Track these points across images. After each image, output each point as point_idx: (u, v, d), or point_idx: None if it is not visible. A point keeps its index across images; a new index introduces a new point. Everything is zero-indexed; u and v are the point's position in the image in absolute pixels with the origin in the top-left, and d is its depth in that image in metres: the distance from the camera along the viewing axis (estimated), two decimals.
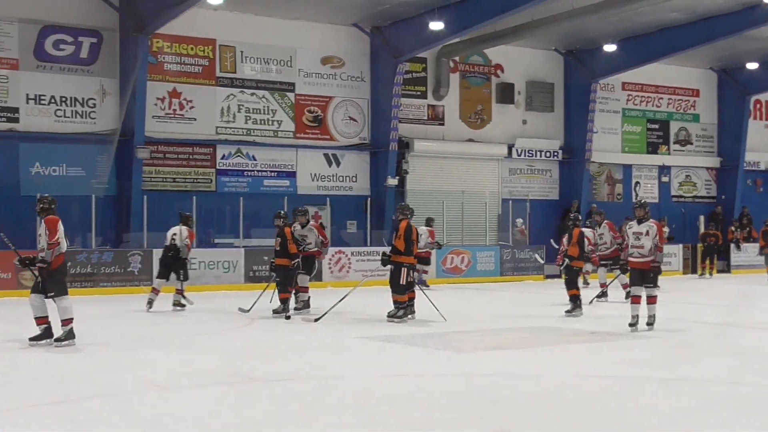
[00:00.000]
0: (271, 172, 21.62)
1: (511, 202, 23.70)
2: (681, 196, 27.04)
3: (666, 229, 18.61)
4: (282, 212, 14.00)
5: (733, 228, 24.98)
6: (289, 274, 13.42)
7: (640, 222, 11.12)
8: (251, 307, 13.32)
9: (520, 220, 23.26)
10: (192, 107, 20.42)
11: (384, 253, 13.07)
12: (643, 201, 11.64)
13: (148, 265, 17.51)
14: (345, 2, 20.12)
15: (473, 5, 19.57)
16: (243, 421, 6.37)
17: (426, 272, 18.30)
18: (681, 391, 7.37)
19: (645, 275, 11.01)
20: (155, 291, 13.70)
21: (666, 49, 23.19)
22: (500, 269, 21.98)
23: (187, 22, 19.39)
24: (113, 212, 19.91)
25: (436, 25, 19.59)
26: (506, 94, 24.21)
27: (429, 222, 18.87)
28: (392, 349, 10.31)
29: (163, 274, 13.81)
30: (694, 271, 24.05)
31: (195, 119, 20.42)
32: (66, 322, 9.64)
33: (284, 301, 13.22)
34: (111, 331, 12.00)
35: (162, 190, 19.81)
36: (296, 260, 13.20)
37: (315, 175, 22.02)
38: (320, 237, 14.01)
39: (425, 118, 23.42)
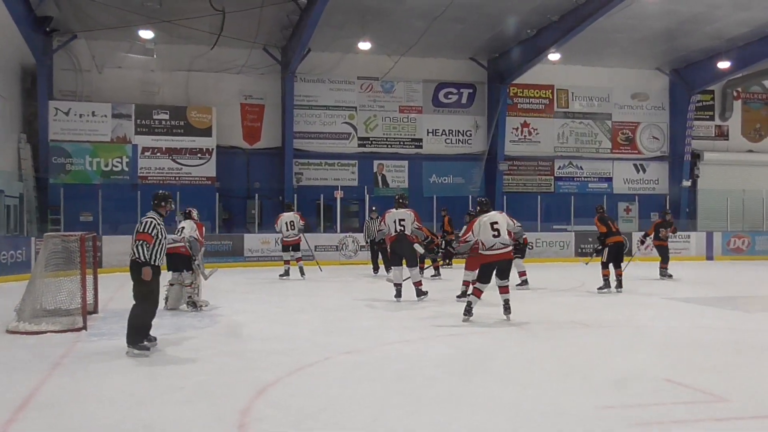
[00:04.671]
0: (593, 178, 25.59)
1: None
2: None
3: None
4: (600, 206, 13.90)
5: None
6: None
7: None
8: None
9: None
10: (537, 133, 24.98)
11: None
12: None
13: None
14: (649, 52, 23.36)
15: (754, 47, 21.74)
16: (578, 353, 7.24)
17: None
18: None
19: None
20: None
21: None
22: None
23: (533, 74, 23.45)
24: None
25: (724, 65, 22.48)
26: None
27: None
28: (690, 308, 10.93)
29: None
30: None
31: (539, 142, 24.97)
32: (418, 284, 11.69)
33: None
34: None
35: (516, 192, 24.10)
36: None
37: (626, 179, 25.81)
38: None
39: (713, 135, 26.61)
